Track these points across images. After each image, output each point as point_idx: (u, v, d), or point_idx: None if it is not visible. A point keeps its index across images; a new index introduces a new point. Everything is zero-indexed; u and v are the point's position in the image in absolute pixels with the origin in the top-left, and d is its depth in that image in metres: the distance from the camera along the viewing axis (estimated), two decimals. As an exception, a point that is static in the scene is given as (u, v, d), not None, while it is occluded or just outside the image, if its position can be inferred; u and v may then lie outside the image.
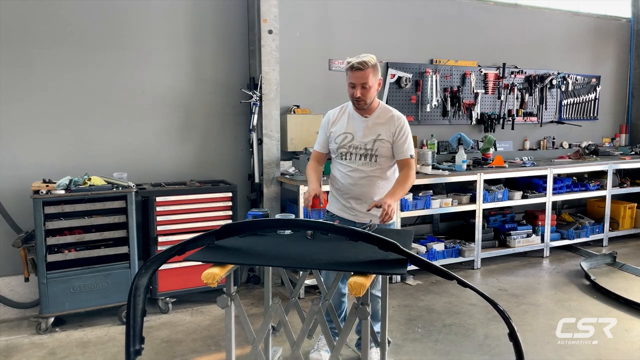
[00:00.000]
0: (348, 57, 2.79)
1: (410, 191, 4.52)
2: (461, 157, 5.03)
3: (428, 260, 2.06)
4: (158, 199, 3.88)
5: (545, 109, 6.26)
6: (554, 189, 5.43)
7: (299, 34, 4.79)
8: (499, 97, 5.90)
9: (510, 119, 5.97)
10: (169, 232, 3.93)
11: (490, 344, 3.40)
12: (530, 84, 6.09)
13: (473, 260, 5.06)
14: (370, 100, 2.81)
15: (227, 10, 4.51)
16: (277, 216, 2.83)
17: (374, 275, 2.15)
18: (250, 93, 4.41)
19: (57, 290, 3.52)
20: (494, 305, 1.92)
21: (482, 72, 5.78)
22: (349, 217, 2.96)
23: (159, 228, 3.90)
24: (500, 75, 5.86)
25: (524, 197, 5.34)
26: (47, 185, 3.47)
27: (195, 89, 4.44)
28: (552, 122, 6.38)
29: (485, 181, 5.07)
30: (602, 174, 5.85)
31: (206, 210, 4.04)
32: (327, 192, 3.12)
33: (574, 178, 5.90)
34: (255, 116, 4.40)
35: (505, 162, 5.40)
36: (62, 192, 3.49)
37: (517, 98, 6.02)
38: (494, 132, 5.85)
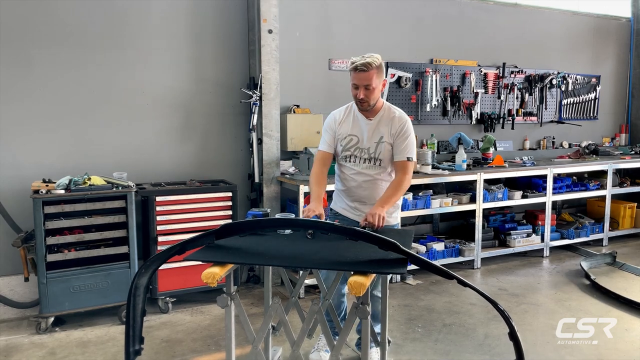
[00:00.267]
0: (352, 56, 2.72)
1: (410, 191, 4.52)
2: (461, 156, 5.03)
3: (428, 260, 2.06)
4: (158, 198, 3.88)
5: (545, 108, 6.26)
6: (554, 188, 5.43)
7: (299, 33, 4.79)
8: (499, 97, 5.89)
9: (510, 118, 5.97)
10: (168, 231, 3.93)
11: (490, 343, 3.40)
12: (530, 83, 6.09)
13: (473, 260, 5.05)
14: (373, 101, 2.76)
15: (227, 10, 4.51)
16: (277, 216, 2.83)
17: (374, 275, 2.15)
18: (250, 93, 4.41)
19: (57, 290, 3.52)
20: (494, 304, 1.92)
21: (482, 71, 5.78)
22: (352, 217, 2.95)
23: (159, 228, 3.90)
24: (500, 74, 5.86)
25: (524, 196, 5.33)
26: (47, 185, 3.47)
27: (195, 89, 4.44)
28: (552, 121, 6.38)
29: (485, 181, 5.07)
30: (602, 174, 5.85)
31: (206, 210, 4.04)
32: (332, 192, 3.13)
33: (574, 178, 5.90)
34: (255, 116, 4.40)
35: (505, 161, 5.40)
36: (62, 191, 3.49)
37: (517, 98, 6.02)
38: (493, 131, 5.85)
